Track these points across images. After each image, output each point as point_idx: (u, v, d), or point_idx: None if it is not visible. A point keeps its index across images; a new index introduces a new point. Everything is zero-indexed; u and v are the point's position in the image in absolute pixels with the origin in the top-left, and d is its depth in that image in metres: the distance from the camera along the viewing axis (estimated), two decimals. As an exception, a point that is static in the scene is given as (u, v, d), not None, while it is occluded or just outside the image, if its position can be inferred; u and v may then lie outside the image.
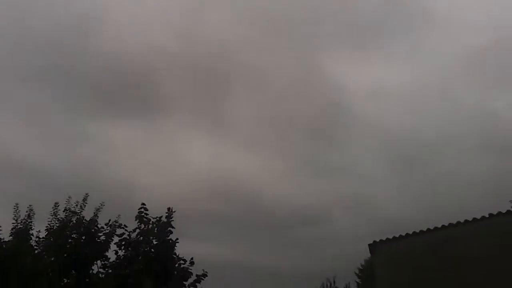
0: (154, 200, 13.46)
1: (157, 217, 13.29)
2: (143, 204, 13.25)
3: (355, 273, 51.07)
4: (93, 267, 13.78)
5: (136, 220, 13.14)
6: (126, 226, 13.47)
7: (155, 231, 13.04)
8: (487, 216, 12.18)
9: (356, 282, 51.02)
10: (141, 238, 13.07)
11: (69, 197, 14.47)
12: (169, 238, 13.14)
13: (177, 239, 13.27)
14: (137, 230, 13.17)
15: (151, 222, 13.20)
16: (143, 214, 13.16)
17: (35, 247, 13.87)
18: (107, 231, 14.03)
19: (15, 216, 13.90)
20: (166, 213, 13.41)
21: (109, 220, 14.06)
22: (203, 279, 13.02)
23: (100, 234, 14.01)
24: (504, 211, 12.16)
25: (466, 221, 12.56)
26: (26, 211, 14.04)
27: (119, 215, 14.16)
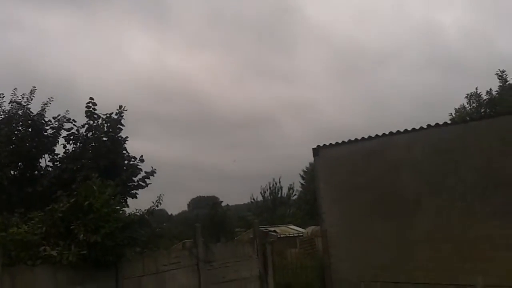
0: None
1: (107, 114, 13.21)
2: (91, 98, 13.02)
3: (300, 174, 53.72)
4: (40, 161, 13.78)
5: (86, 115, 13.00)
6: (75, 121, 13.38)
7: (105, 128, 13.02)
8: (425, 126, 12.87)
9: (300, 183, 53.80)
10: (90, 133, 13.06)
11: (15, 88, 14.06)
12: (119, 135, 13.19)
13: (126, 137, 13.36)
14: (86, 126, 13.12)
15: (100, 119, 13.14)
16: (91, 108, 13.01)
17: None
18: (55, 125, 13.89)
19: None
20: (117, 110, 13.35)
21: (58, 115, 13.88)
22: (152, 176, 13.37)
23: (47, 128, 13.84)
24: (441, 123, 12.88)
25: (405, 130, 13.25)
26: None
27: (67, 110, 13.97)
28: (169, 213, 64.91)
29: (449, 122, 14.42)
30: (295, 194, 52.67)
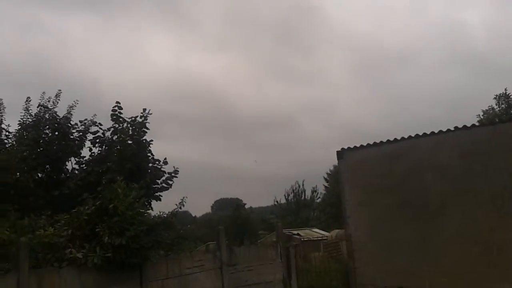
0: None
1: (132, 117, 13.34)
2: (118, 102, 13.18)
3: (324, 177, 53.34)
4: (67, 164, 13.99)
5: (111, 118, 13.14)
6: (101, 124, 13.55)
7: (130, 131, 13.14)
8: (452, 129, 12.62)
9: (324, 185, 53.43)
10: (116, 137, 13.20)
11: (43, 92, 14.33)
12: (143, 138, 13.30)
13: (151, 140, 13.47)
14: (112, 129, 13.26)
15: (125, 122, 13.26)
16: (117, 112, 13.13)
17: (5, 141, 13.79)
18: (81, 128, 14.08)
19: None
20: (141, 113, 13.48)
21: (85, 119, 14.08)
22: (175, 177, 13.44)
23: (73, 131, 14.05)
24: (469, 125, 12.62)
25: (432, 132, 13.01)
26: None
27: (94, 114, 14.18)
28: (193, 215, 65.33)
29: (477, 124, 14.13)
30: (319, 197, 52.45)
